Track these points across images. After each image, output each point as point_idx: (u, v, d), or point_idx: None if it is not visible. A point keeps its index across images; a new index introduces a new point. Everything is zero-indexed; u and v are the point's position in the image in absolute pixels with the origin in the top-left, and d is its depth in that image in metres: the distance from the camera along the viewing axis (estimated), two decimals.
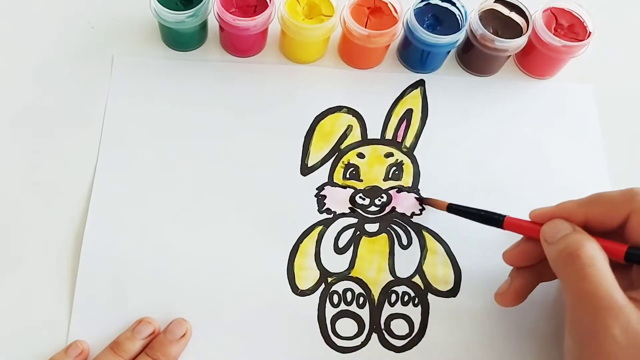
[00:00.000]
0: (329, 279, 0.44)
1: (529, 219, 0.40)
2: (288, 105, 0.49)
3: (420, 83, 0.51)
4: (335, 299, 0.44)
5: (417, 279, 0.45)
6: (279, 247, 0.45)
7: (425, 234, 0.46)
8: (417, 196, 0.47)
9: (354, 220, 0.46)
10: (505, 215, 0.41)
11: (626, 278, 0.36)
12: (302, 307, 0.43)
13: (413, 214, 0.47)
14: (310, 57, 0.51)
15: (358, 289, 0.44)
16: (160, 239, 0.44)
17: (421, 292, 0.45)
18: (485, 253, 0.46)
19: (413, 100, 0.51)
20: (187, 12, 0.46)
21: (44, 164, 0.46)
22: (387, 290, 0.44)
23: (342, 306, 0.44)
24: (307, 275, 0.44)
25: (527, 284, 0.41)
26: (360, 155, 0.48)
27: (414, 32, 0.48)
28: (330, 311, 0.43)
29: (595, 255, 0.34)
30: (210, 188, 0.46)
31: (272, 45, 0.52)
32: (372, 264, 0.45)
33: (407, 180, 0.48)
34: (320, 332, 0.43)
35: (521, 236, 0.41)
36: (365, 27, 0.47)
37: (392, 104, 0.50)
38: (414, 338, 0.43)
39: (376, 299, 0.44)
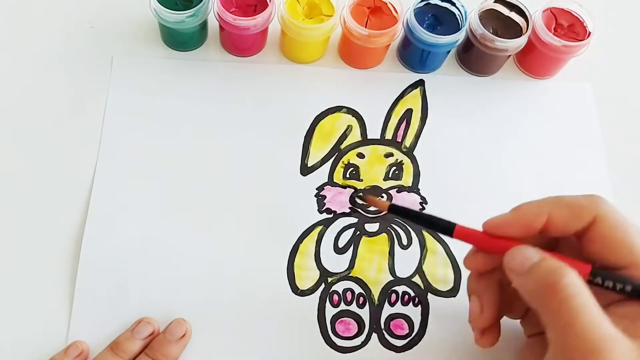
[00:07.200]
0: (329, 279, 0.44)
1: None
2: (288, 105, 0.49)
3: (420, 83, 0.51)
4: (335, 299, 0.44)
5: (417, 279, 0.45)
6: (279, 247, 0.45)
7: (425, 233, 0.46)
8: (354, 193, 0.44)
9: (354, 220, 0.46)
10: (455, 224, 0.37)
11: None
12: (302, 307, 0.43)
13: None
14: (310, 57, 0.51)
15: (358, 289, 0.44)
16: (160, 239, 0.44)
17: (421, 292, 0.44)
18: None
19: (413, 100, 0.51)
20: (187, 12, 0.46)
21: (44, 164, 0.46)
22: (387, 290, 0.44)
23: (342, 306, 0.44)
24: (307, 275, 0.44)
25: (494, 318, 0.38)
26: (360, 155, 0.48)
27: (413, 32, 0.48)
28: (330, 311, 0.43)
29: (578, 285, 0.31)
30: (210, 188, 0.46)
31: (272, 45, 0.52)
32: (372, 264, 0.45)
33: (407, 180, 0.48)
34: (320, 332, 0.43)
35: None
36: (365, 27, 0.47)
37: (392, 104, 0.50)
38: (414, 338, 0.43)
39: (376, 298, 0.44)
